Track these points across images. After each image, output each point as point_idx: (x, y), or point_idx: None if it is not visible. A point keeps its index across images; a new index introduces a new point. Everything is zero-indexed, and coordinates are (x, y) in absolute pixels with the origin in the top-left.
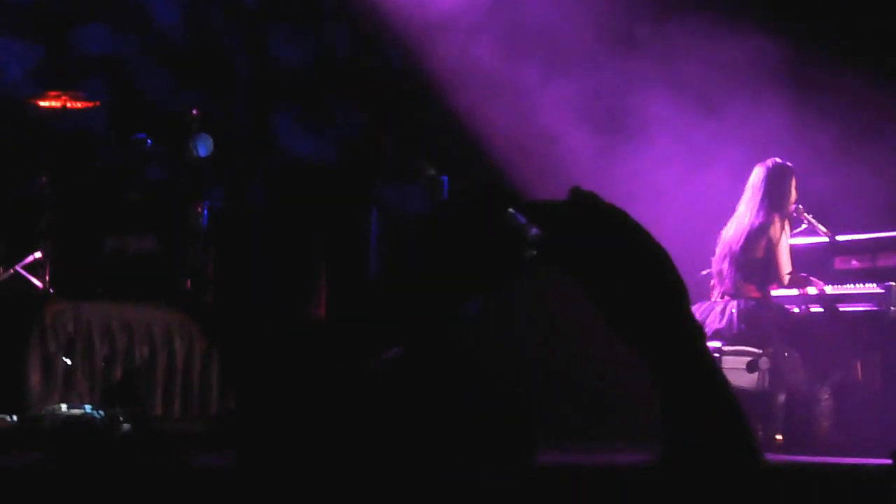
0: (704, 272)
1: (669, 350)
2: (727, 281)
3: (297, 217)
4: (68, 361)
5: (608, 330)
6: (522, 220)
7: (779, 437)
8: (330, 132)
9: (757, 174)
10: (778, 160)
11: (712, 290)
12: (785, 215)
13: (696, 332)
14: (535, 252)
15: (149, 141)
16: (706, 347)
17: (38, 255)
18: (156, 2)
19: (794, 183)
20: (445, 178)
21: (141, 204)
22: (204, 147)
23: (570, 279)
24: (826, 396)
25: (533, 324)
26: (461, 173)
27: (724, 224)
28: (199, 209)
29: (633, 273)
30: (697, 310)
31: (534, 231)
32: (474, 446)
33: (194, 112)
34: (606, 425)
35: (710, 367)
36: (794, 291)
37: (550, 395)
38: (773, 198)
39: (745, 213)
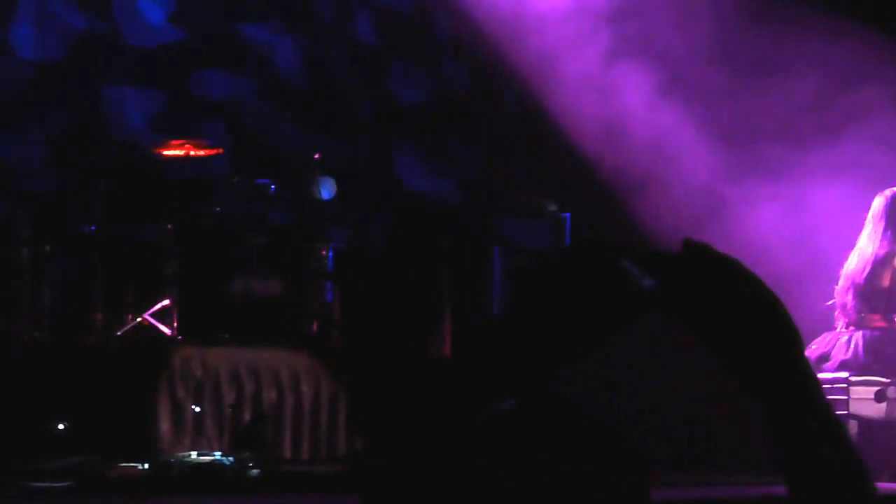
0: (829, 302)
1: (786, 400)
2: (851, 312)
3: (421, 256)
4: (197, 408)
5: (717, 377)
6: (636, 271)
7: None
8: (452, 170)
9: (878, 204)
10: None
11: (836, 321)
12: None
13: (812, 381)
14: (648, 304)
15: (272, 186)
16: (822, 394)
17: (166, 301)
18: (275, 45)
19: None
20: (568, 215)
21: (265, 248)
22: (327, 190)
23: (680, 329)
24: None
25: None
26: (584, 210)
27: (844, 253)
28: (324, 251)
29: (748, 323)
30: (822, 341)
31: (647, 282)
32: (590, 494)
33: (316, 156)
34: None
35: (827, 415)
36: None
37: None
38: (894, 227)
39: (867, 244)
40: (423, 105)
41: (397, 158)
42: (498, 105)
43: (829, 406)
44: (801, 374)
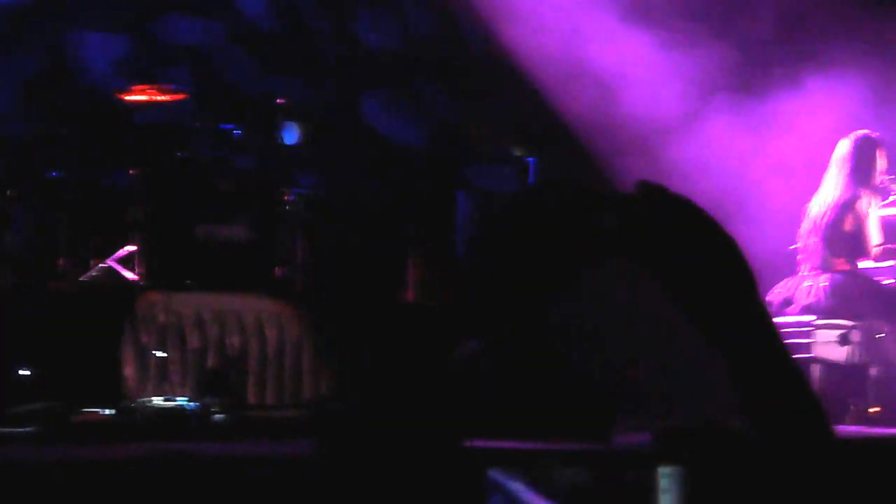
0: (792, 247)
1: (743, 337)
2: (815, 256)
3: (387, 200)
4: (161, 354)
5: (678, 317)
6: (594, 212)
7: (872, 409)
8: (418, 116)
9: (843, 147)
10: (864, 132)
11: (800, 264)
12: (872, 188)
13: (768, 323)
14: (608, 245)
15: (237, 131)
16: (779, 337)
17: (132, 248)
18: None
19: (880, 154)
20: (533, 159)
21: (230, 193)
22: (290, 135)
23: (639, 269)
24: None
25: (606, 313)
26: (548, 154)
27: (809, 198)
28: (288, 196)
29: (704, 262)
30: (786, 285)
31: (606, 222)
32: (558, 427)
33: (280, 101)
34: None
35: (783, 357)
36: (885, 263)
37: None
38: (859, 171)
39: (831, 188)
40: (390, 50)
41: (364, 104)
42: (464, 51)
43: (785, 348)
44: (757, 317)
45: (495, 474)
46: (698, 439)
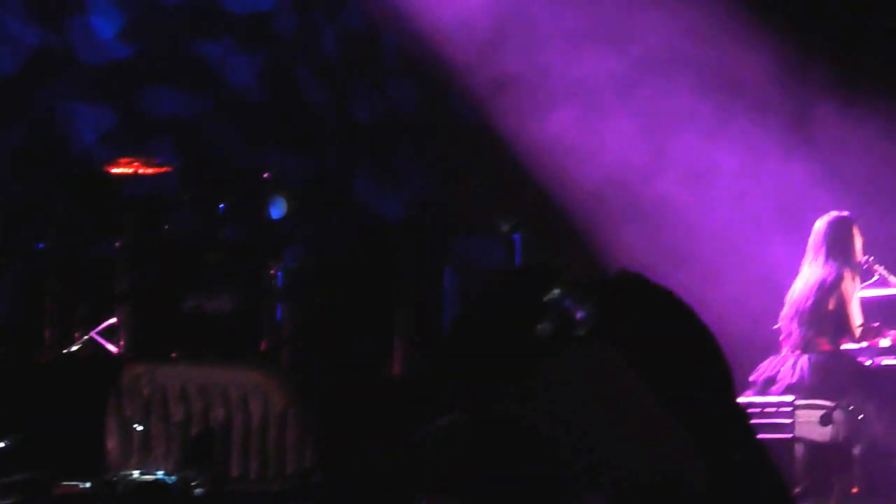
0: (776, 326)
1: (717, 429)
2: (797, 336)
3: (374, 275)
4: (140, 427)
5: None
6: (568, 300)
7: (855, 489)
8: (407, 189)
9: (818, 229)
10: (838, 213)
11: (783, 344)
12: (853, 267)
13: (742, 413)
14: (581, 332)
15: (224, 204)
16: (752, 427)
17: (113, 320)
18: (227, 62)
19: (857, 233)
20: (518, 235)
21: (217, 265)
22: (277, 209)
23: (615, 358)
24: None
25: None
26: (536, 229)
27: (790, 275)
28: (275, 269)
29: (681, 357)
30: (769, 364)
31: (580, 313)
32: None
33: (266, 175)
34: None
35: (757, 447)
36: (866, 344)
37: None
38: (837, 251)
39: (810, 270)
40: (378, 123)
41: (352, 176)
42: (452, 125)
43: (760, 446)
44: (731, 416)
45: None
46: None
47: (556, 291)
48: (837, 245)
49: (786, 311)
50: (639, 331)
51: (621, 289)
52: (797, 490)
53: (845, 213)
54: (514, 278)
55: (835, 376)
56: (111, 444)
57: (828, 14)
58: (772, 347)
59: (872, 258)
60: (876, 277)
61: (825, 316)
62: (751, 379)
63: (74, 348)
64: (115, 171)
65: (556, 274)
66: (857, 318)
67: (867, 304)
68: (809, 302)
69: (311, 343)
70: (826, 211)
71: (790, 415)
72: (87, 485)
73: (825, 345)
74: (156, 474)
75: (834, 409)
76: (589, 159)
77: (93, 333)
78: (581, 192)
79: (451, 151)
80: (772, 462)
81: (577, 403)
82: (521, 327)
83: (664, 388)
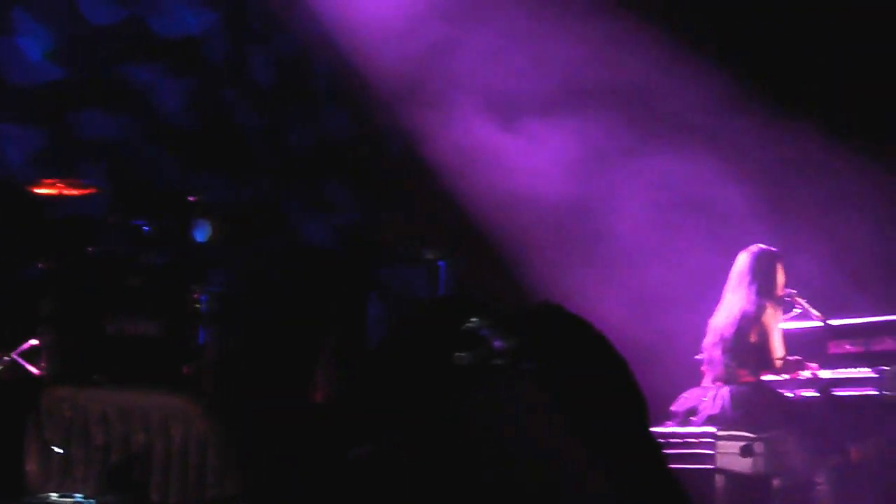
0: (697, 357)
1: (631, 458)
2: (718, 367)
3: (299, 301)
4: (61, 450)
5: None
6: (486, 330)
7: None
8: (335, 216)
9: (742, 261)
10: (762, 246)
11: (704, 375)
12: (775, 300)
13: (654, 443)
14: (500, 361)
15: (146, 228)
16: (665, 457)
17: (35, 342)
18: (157, 86)
19: (780, 268)
20: (443, 263)
21: (140, 289)
22: (202, 233)
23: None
24: (821, 481)
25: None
26: (463, 257)
27: (708, 305)
28: (199, 294)
29: (597, 386)
30: (691, 395)
31: (497, 343)
32: None
33: (192, 198)
34: None
35: (669, 478)
36: (788, 376)
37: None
38: (760, 284)
39: (733, 301)
40: (310, 149)
41: (281, 202)
42: (382, 153)
43: (670, 475)
44: (643, 445)
45: None
46: None
47: (475, 321)
48: (761, 278)
49: (708, 338)
50: (556, 361)
51: (540, 320)
52: None
53: (772, 248)
54: (434, 308)
55: (756, 408)
56: (31, 466)
57: (739, 29)
58: (693, 380)
59: (795, 291)
60: (798, 311)
61: (747, 347)
62: (672, 409)
63: None
64: (39, 191)
65: (476, 304)
66: (778, 350)
67: (789, 337)
68: (731, 331)
69: (233, 368)
70: (754, 241)
71: (711, 446)
72: None
73: (747, 376)
74: (75, 497)
75: (755, 440)
76: (515, 189)
77: (13, 355)
78: (507, 221)
79: (381, 180)
80: (683, 491)
81: (495, 430)
82: (440, 356)
83: (579, 417)
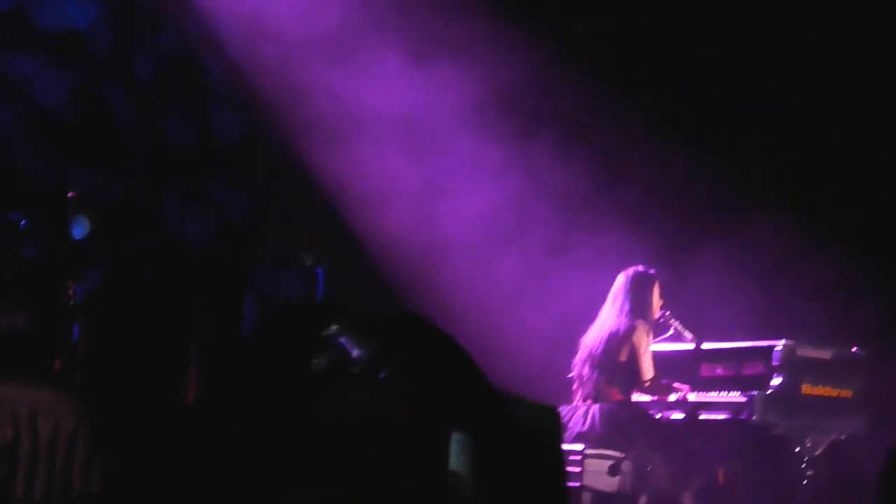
0: (570, 374)
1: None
2: (589, 384)
3: (174, 299)
4: None
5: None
6: (344, 337)
7: None
8: (214, 216)
9: (620, 281)
10: (640, 268)
11: (575, 393)
12: (649, 322)
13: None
14: (355, 369)
15: (23, 221)
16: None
17: None
18: (38, 80)
19: (657, 290)
20: (321, 270)
21: (13, 282)
22: (79, 228)
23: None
24: (688, 501)
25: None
26: (340, 265)
27: (583, 325)
28: (73, 289)
29: (447, 369)
30: (560, 412)
31: (355, 350)
32: None
33: (70, 194)
34: None
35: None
36: (656, 396)
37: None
38: (635, 305)
39: (607, 319)
40: (193, 148)
41: (160, 200)
42: (267, 157)
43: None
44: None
45: None
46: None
47: (334, 328)
48: (636, 298)
49: (580, 354)
50: (412, 369)
51: (396, 329)
52: None
53: (650, 270)
54: (294, 313)
55: (624, 427)
56: None
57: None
58: (564, 398)
59: (669, 312)
60: (671, 332)
61: (617, 365)
62: None
63: None
64: None
65: (336, 310)
66: (648, 371)
67: (662, 358)
68: (601, 349)
69: (105, 364)
70: (632, 263)
71: (579, 463)
72: None
73: (616, 394)
74: None
75: (622, 459)
76: (390, 199)
77: None
78: (384, 230)
79: (264, 183)
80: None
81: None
82: (298, 361)
83: (434, 425)
